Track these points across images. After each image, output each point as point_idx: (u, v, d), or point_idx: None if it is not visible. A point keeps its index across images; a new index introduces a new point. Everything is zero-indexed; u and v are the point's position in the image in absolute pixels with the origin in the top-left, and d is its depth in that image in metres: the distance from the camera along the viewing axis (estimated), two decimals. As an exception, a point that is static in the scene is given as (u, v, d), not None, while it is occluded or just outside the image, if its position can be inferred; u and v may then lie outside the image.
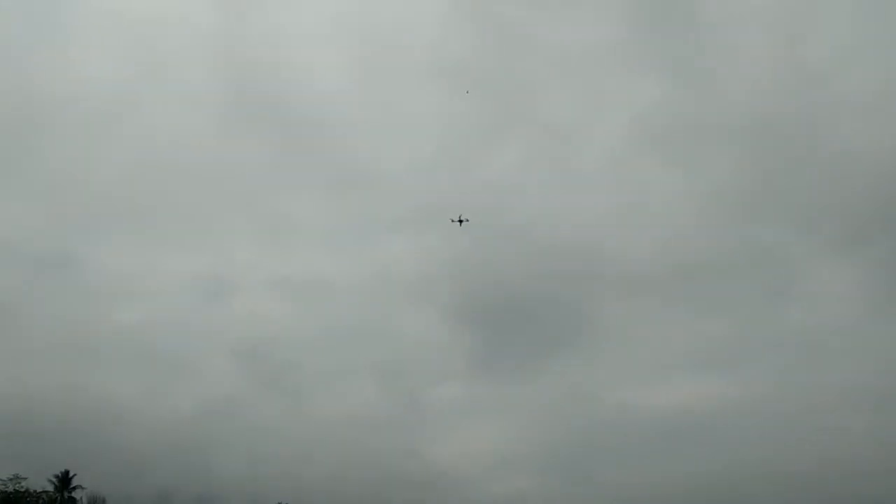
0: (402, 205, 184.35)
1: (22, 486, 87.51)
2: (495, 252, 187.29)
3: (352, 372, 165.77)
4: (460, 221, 64.57)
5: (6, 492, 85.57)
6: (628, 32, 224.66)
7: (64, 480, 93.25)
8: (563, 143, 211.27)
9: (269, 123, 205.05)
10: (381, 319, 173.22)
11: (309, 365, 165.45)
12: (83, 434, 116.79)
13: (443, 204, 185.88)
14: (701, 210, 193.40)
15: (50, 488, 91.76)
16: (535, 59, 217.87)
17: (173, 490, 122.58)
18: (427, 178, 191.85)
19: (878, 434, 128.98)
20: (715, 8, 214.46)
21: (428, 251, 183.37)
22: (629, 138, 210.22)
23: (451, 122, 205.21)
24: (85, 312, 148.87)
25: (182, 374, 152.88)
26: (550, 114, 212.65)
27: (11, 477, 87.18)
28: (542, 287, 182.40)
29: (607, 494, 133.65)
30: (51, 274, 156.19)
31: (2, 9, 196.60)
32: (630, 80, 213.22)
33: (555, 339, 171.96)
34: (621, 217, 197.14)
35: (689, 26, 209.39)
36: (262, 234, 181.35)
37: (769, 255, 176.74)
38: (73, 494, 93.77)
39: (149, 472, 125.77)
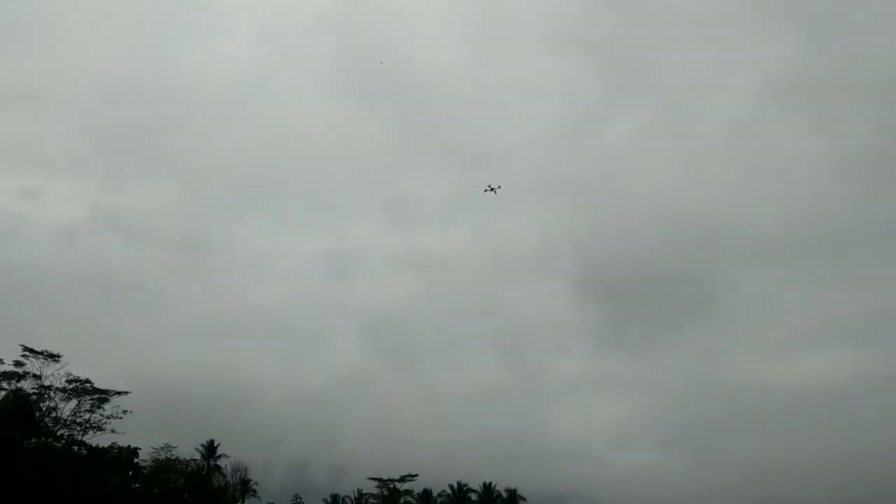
0: (520, 177, 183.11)
1: (173, 455, 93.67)
2: (618, 223, 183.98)
3: (474, 346, 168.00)
4: (493, 189, 64.01)
5: (159, 459, 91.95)
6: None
7: (210, 449, 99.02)
8: (686, 109, 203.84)
9: (389, 101, 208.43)
10: (502, 294, 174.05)
11: (432, 339, 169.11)
12: (226, 407, 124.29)
13: (562, 175, 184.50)
14: (837, 176, 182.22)
15: (197, 456, 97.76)
16: (653, 20, 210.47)
17: (308, 459, 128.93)
18: (545, 150, 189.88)
19: None
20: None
21: (548, 224, 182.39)
22: (757, 101, 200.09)
23: (568, 92, 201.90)
24: (222, 292, 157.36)
25: (313, 350, 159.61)
26: (672, 78, 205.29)
27: (163, 446, 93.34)
28: (667, 258, 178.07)
29: (734, 471, 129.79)
30: (190, 256, 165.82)
31: None
32: (759, 38, 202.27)
33: (681, 312, 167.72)
34: (750, 185, 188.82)
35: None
36: (383, 212, 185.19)
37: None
38: (218, 462, 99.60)
39: (285, 443, 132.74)
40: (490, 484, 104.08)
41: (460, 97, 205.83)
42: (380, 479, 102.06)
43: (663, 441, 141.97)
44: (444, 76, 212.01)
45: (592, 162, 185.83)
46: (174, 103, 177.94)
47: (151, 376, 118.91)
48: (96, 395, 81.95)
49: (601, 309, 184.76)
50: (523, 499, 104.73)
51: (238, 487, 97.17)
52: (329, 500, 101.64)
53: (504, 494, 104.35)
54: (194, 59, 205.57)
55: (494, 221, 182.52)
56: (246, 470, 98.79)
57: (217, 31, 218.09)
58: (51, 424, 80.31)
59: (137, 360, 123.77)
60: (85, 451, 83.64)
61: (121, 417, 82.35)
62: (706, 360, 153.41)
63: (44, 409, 79.79)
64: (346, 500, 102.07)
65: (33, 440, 75.87)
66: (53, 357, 78.99)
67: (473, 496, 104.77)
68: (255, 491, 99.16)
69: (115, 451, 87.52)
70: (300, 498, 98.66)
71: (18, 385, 78.88)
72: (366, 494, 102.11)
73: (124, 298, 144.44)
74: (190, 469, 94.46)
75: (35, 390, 79.12)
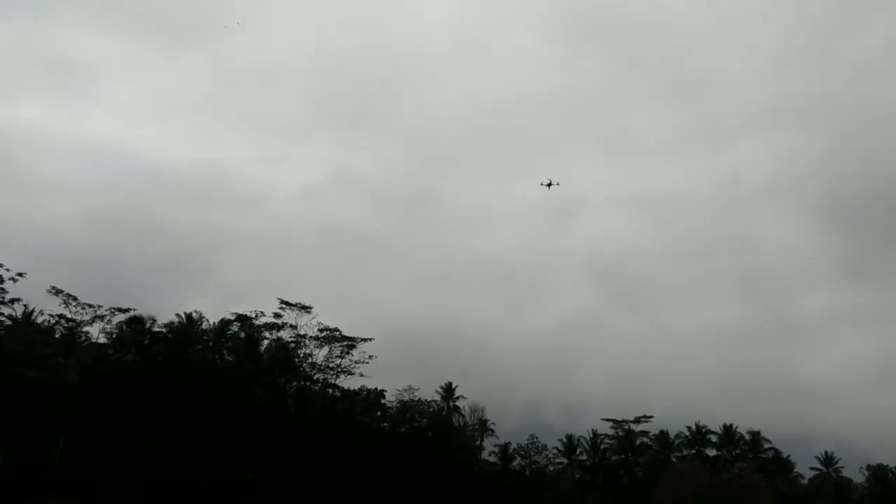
0: (748, 104, 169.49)
1: (415, 396, 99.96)
2: (864, 143, 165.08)
3: (707, 283, 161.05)
4: (549, 185, 57.42)
5: (403, 400, 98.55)
6: None
7: (448, 391, 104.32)
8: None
9: (602, 37, 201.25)
10: (735, 227, 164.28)
11: (661, 278, 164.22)
12: (461, 351, 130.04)
13: (795, 97, 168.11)
14: None
15: (437, 398, 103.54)
16: None
17: (541, 400, 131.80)
18: (773, 72, 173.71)
19: None
20: None
21: (783, 150, 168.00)
22: None
23: (798, 9, 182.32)
24: (450, 241, 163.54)
25: (540, 293, 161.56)
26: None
27: (406, 388, 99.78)
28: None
29: None
30: (419, 209, 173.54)
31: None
32: None
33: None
34: None
35: None
36: (605, 151, 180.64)
37: None
38: (457, 404, 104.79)
39: (518, 385, 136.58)
40: (731, 425, 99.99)
41: (678, 23, 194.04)
42: (614, 420, 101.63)
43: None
44: (657, 3, 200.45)
45: (831, 79, 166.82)
46: (393, 65, 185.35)
47: (392, 324, 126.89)
48: (345, 343, 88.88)
49: (850, 237, 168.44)
50: (767, 440, 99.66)
51: (476, 427, 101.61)
52: (564, 440, 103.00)
53: (746, 436, 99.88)
54: (409, 22, 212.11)
55: (724, 152, 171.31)
56: (483, 410, 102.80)
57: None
58: (308, 370, 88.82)
59: (378, 309, 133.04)
60: (338, 394, 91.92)
61: (367, 362, 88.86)
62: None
63: (301, 355, 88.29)
64: (582, 440, 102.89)
65: (294, 384, 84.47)
66: (306, 309, 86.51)
67: (713, 438, 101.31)
68: (492, 430, 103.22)
69: (364, 393, 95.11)
70: (536, 437, 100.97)
71: (279, 335, 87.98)
72: (601, 435, 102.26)
73: (363, 252, 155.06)
74: (431, 409, 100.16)
75: (292, 339, 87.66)
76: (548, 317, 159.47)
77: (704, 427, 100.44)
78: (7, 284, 53.80)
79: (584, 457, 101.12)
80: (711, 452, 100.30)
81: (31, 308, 64.41)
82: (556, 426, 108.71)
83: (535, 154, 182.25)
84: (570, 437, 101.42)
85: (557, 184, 52.44)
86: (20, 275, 54.46)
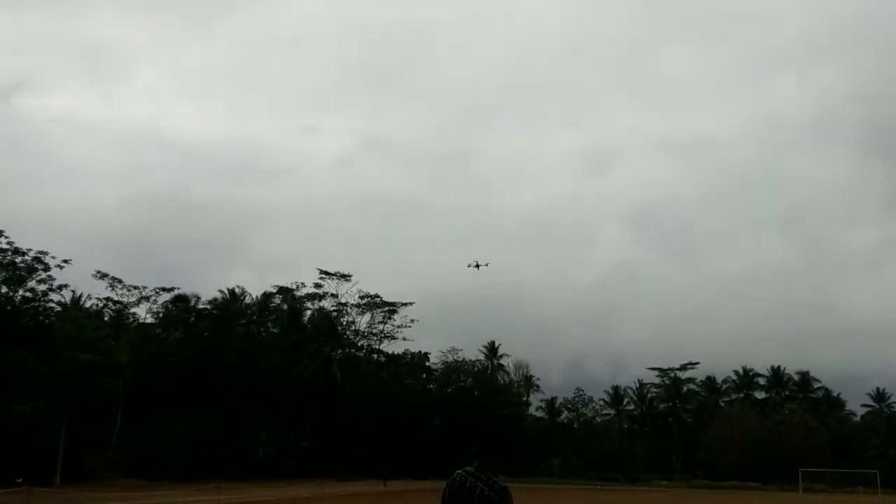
0: (785, 36, 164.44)
1: (459, 357, 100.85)
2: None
3: (748, 226, 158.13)
4: (477, 266, 55.71)
5: (447, 361, 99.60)
6: None
7: (491, 349, 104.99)
8: None
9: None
10: (775, 167, 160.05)
11: (701, 224, 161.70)
12: (502, 309, 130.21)
13: (833, 28, 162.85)
14: None
15: (481, 357, 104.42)
16: None
17: (585, 353, 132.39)
18: (809, 3, 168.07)
19: None
20: None
21: (822, 84, 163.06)
22: None
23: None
24: (487, 199, 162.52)
25: (580, 246, 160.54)
26: None
27: (450, 349, 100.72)
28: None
29: None
30: (451, 169, 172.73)
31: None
32: None
33: None
34: None
35: None
36: (639, 96, 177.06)
37: None
38: (501, 362, 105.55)
39: (562, 339, 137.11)
40: (779, 367, 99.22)
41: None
42: (660, 369, 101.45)
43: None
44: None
45: (871, 8, 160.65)
46: (420, 24, 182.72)
47: (432, 286, 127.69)
48: (386, 308, 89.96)
49: (894, 170, 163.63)
50: (816, 380, 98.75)
51: (522, 383, 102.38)
52: (611, 391, 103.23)
53: (795, 377, 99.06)
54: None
55: (762, 90, 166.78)
56: (527, 367, 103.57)
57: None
58: (351, 337, 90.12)
59: (418, 272, 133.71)
60: (383, 359, 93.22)
61: (409, 326, 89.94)
62: None
63: (344, 323, 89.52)
64: (628, 390, 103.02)
65: (339, 351, 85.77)
66: (345, 277, 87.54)
67: (761, 381, 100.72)
68: (537, 386, 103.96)
69: (409, 356, 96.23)
70: (582, 391, 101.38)
71: (321, 304, 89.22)
72: (647, 384, 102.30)
73: (399, 216, 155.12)
74: (476, 369, 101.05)
75: (334, 308, 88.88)
76: (588, 270, 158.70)
77: (752, 370, 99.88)
78: (54, 271, 54.95)
79: (632, 406, 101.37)
80: (760, 395, 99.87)
81: (79, 293, 66.11)
82: (602, 379, 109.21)
83: (568, 105, 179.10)
84: (616, 388, 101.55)
85: (486, 265, 51.32)
86: (66, 261, 55.54)
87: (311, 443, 73.61)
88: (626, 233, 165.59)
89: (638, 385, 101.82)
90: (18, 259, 53.55)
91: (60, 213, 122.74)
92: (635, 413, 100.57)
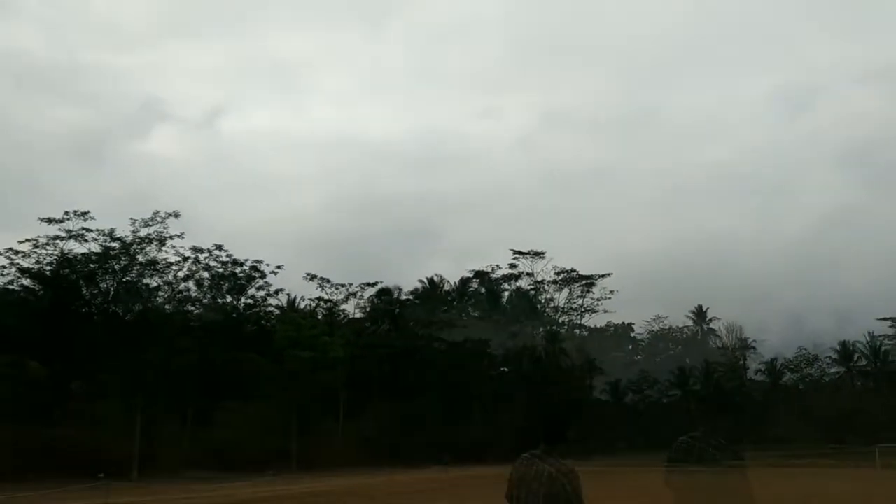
0: None
1: (665, 325, 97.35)
2: None
3: None
4: (446, 464, 47.68)
5: (653, 331, 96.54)
6: None
7: (699, 314, 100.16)
8: None
9: None
10: None
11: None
12: (707, 270, 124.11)
13: None
14: None
15: (689, 323, 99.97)
16: None
17: (805, 309, 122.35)
18: None
19: None
20: None
21: None
22: None
23: None
24: (674, 160, 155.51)
25: (787, 195, 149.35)
26: None
27: (655, 317, 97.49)
28: None
29: None
30: (636, 133, 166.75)
31: None
32: None
33: None
34: None
35: None
36: (835, 27, 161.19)
37: None
38: (711, 326, 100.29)
39: (776, 297, 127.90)
40: None
41: None
42: (892, 319, 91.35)
43: None
44: None
45: None
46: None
47: (629, 255, 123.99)
48: (583, 282, 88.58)
49: None
50: None
51: (737, 346, 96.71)
52: (838, 347, 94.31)
53: None
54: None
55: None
56: (741, 329, 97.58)
57: None
58: (552, 314, 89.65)
59: (613, 242, 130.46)
60: (586, 333, 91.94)
61: (609, 298, 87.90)
62: None
63: (543, 301, 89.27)
64: (858, 345, 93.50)
65: (541, 329, 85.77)
66: (539, 255, 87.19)
67: None
68: (754, 348, 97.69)
69: (612, 328, 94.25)
70: (805, 349, 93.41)
71: (517, 285, 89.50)
72: (878, 336, 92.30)
73: (587, 188, 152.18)
74: (685, 335, 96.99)
75: (531, 287, 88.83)
76: (799, 219, 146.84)
77: None
78: (269, 278, 59.27)
79: (864, 362, 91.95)
80: None
81: (293, 296, 70.97)
82: (826, 334, 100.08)
83: (756, 47, 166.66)
84: (843, 344, 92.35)
85: (447, 463, 46.82)
86: (279, 267, 59.81)
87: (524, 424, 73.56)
88: (837, 175, 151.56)
89: (868, 338, 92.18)
90: (238, 270, 58.34)
91: (269, 222, 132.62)
92: (868, 369, 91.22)
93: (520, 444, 6.45)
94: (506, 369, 78.40)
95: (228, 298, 58.98)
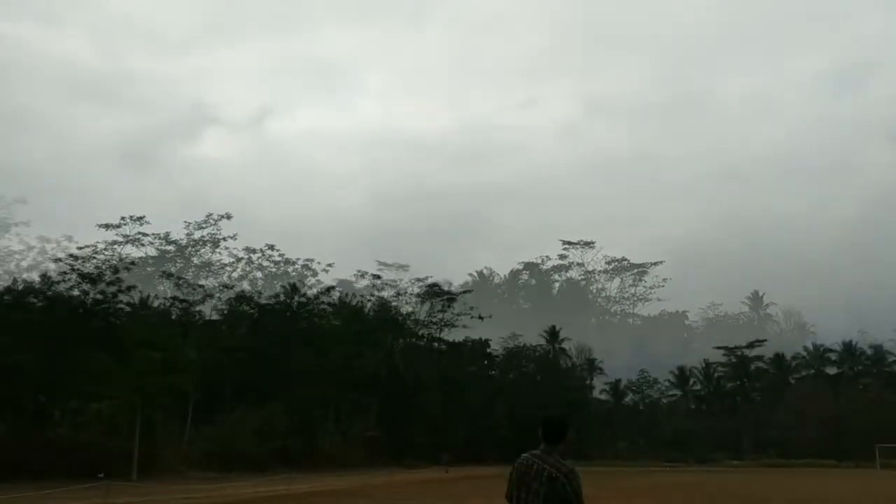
0: None
1: (721, 311, 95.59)
2: None
3: None
4: (447, 468, 45.00)
5: (708, 318, 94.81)
6: None
7: (756, 300, 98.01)
8: None
9: None
10: None
11: None
12: (761, 254, 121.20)
13: None
14: None
15: (745, 309, 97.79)
16: None
17: (869, 290, 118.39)
18: None
19: None
20: None
21: None
22: None
23: None
24: (721, 142, 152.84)
25: (838, 174, 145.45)
26: None
27: (709, 305, 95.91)
28: None
29: None
30: (681, 117, 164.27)
31: None
32: None
33: None
34: None
35: None
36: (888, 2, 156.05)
37: None
38: (768, 311, 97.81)
39: (837, 277, 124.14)
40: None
41: None
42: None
43: None
44: None
45: None
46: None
47: (678, 242, 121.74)
48: (634, 270, 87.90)
49: None
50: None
51: (794, 331, 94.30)
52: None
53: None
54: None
55: None
56: (799, 314, 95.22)
57: None
58: (603, 304, 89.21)
59: (663, 228, 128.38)
60: (639, 322, 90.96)
61: (662, 286, 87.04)
62: None
63: (594, 291, 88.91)
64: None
65: (592, 320, 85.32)
66: (589, 244, 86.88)
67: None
68: (813, 332, 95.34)
69: (666, 316, 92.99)
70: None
71: (567, 275, 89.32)
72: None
73: (633, 174, 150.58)
74: (740, 322, 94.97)
75: (582, 277, 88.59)
76: (855, 199, 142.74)
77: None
78: (321, 276, 60.64)
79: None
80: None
81: (344, 292, 72.16)
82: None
83: (804, 27, 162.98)
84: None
85: (447, 470, 44.42)
86: (330, 265, 61.31)
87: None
88: (891, 152, 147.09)
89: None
90: (290, 269, 59.82)
91: (317, 219, 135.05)
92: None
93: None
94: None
95: (282, 297, 59.29)
